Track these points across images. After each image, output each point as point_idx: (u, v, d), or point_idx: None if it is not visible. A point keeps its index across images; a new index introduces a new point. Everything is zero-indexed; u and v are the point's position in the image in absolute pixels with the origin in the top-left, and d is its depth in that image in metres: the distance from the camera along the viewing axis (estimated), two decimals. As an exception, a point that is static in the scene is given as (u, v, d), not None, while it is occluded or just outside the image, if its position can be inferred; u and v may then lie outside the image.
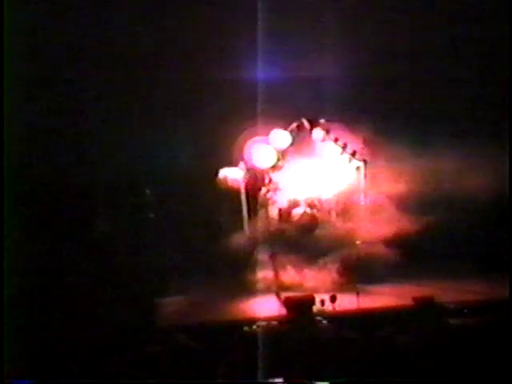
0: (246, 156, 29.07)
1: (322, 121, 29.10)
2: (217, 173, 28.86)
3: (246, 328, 23.06)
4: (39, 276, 26.02)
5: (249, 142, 28.98)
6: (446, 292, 25.09)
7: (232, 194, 29.06)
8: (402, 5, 29.88)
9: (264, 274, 27.57)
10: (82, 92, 30.43)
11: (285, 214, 29.42)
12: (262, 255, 28.13)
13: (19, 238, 24.21)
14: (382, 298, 25.38)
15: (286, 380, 19.54)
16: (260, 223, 29.04)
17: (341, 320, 23.39)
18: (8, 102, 22.65)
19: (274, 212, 29.41)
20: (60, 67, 30.09)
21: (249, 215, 29.36)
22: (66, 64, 30.14)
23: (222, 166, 28.98)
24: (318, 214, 29.37)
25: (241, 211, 29.32)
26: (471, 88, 29.73)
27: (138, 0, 30.69)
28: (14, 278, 22.76)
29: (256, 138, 29.03)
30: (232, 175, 29.07)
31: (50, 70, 29.92)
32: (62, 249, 27.89)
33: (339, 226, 28.98)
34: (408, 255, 27.90)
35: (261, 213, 29.30)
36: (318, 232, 29.03)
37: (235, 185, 29.09)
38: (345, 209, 29.37)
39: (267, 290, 26.95)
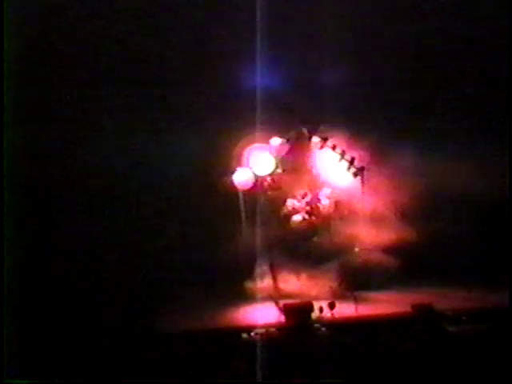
0: (244, 163, 29.04)
1: (320, 128, 29.14)
2: (216, 179, 28.84)
3: (244, 335, 23.05)
4: (40, 279, 26.03)
5: (247, 149, 28.98)
6: (445, 299, 25.08)
7: (230, 200, 29.02)
8: (403, 10, 29.88)
9: (263, 281, 27.57)
10: (82, 95, 30.41)
11: (283, 221, 29.41)
12: (261, 262, 28.11)
13: (20, 240, 24.22)
14: (380, 305, 25.38)
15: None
16: (258, 230, 29.00)
17: (339, 327, 23.39)
18: (8, 102, 22.69)
19: (272, 219, 29.39)
20: (60, 67, 30.08)
21: (247, 222, 29.32)
22: (66, 64, 30.12)
23: (221, 173, 28.94)
24: (316, 221, 29.37)
25: (239, 218, 29.27)
26: (474, 94, 29.70)
27: (136, 6, 30.69)
28: (15, 279, 22.76)
29: (255, 145, 29.03)
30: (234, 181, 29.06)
31: (50, 69, 29.91)
32: (63, 252, 27.86)
33: (338, 232, 28.98)
34: (406, 262, 27.88)
35: (259, 220, 29.26)
36: (316, 239, 29.03)
37: (235, 190, 29.06)
38: (343, 215, 29.35)
39: (266, 297, 26.94)
